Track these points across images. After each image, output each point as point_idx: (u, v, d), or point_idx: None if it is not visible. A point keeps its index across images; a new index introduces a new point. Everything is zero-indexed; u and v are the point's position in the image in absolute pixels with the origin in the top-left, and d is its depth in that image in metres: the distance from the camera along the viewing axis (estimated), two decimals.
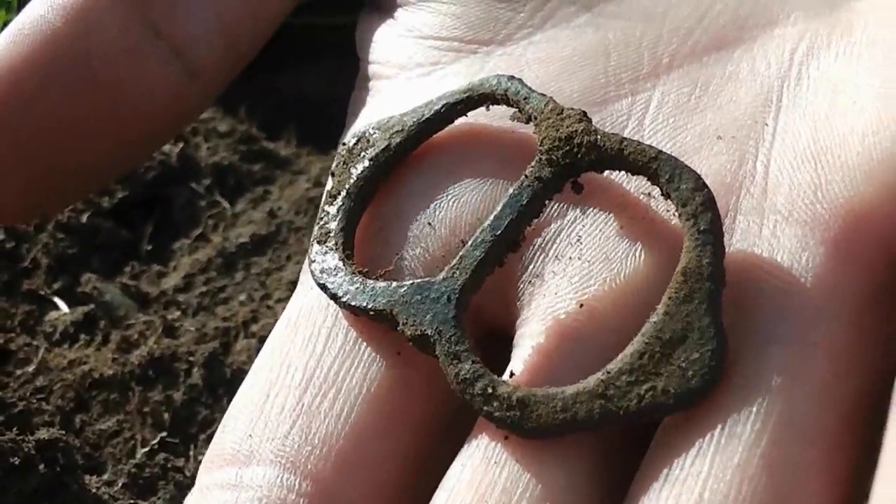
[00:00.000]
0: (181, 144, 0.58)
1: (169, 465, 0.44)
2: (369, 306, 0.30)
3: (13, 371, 0.47)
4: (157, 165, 0.56)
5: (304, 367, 0.30)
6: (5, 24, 0.68)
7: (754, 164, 0.31)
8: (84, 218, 0.54)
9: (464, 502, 0.27)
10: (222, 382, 0.47)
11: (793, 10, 0.33)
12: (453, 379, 0.28)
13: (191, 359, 0.47)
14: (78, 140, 0.35)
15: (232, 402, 0.32)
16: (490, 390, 0.28)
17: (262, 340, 0.48)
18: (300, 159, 0.59)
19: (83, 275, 0.52)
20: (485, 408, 0.28)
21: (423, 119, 0.33)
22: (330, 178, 0.33)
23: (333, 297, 0.31)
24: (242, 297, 0.51)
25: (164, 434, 0.45)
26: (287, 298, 0.50)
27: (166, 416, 0.46)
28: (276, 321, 0.48)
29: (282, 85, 0.68)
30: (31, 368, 0.47)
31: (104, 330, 0.49)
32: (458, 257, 0.30)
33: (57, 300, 0.51)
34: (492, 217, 0.30)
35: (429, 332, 0.29)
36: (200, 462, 0.44)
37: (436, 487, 0.28)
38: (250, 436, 0.29)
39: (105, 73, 0.34)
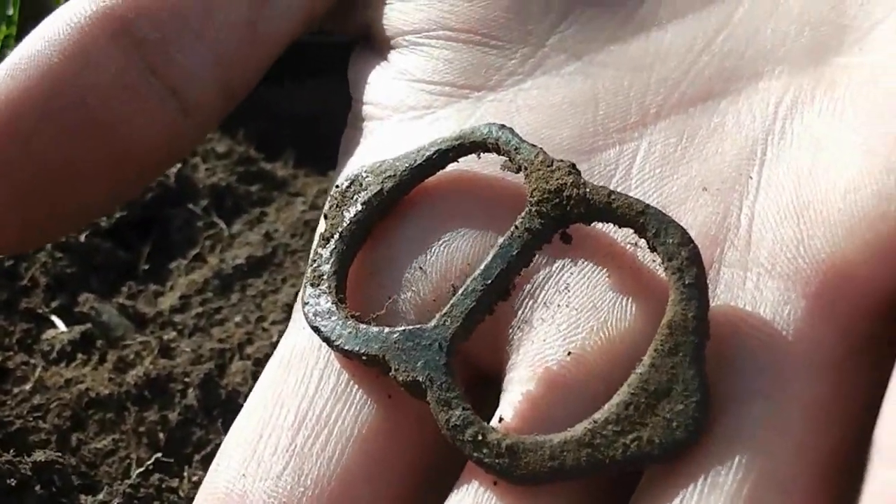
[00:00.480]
0: (179, 166, 0.58)
1: (163, 486, 0.44)
2: (362, 351, 0.30)
3: (10, 389, 0.48)
4: (156, 186, 0.57)
5: (297, 408, 0.31)
6: (6, 39, 0.69)
7: (738, 216, 0.31)
8: (82, 238, 0.54)
9: None
10: (217, 403, 0.48)
11: (777, 63, 0.34)
12: (444, 425, 0.29)
13: (186, 380, 0.48)
14: (73, 176, 0.35)
15: (225, 440, 0.32)
16: (480, 437, 0.28)
17: (256, 362, 0.49)
18: (297, 180, 0.60)
19: (81, 294, 0.52)
20: (475, 454, 0.28)
21: (416, 165, 0.33)
22: (322, 220, 0.34)
23: (326, 340, 0.31)
24: (238, 319, 0.51)
25: (160, 454, 0.46)
26: (282, 321, 0.51)
27: (161, 435, 0.47)
28: (271, 343, 0.49)
29: (275, 102, 0.69)
30: (28, 387, 0.48)
31: (101, 349, 0.50)
32: (449, 305, 0.30)
33: (55, 319, 0.52)
34: (482, 266, 0.31)
35: (420, 378, 0.29)
36: (195, 482, 0.45)
37: None
38: (244, 475, 0.30)
39: (102, 111, 0.34)
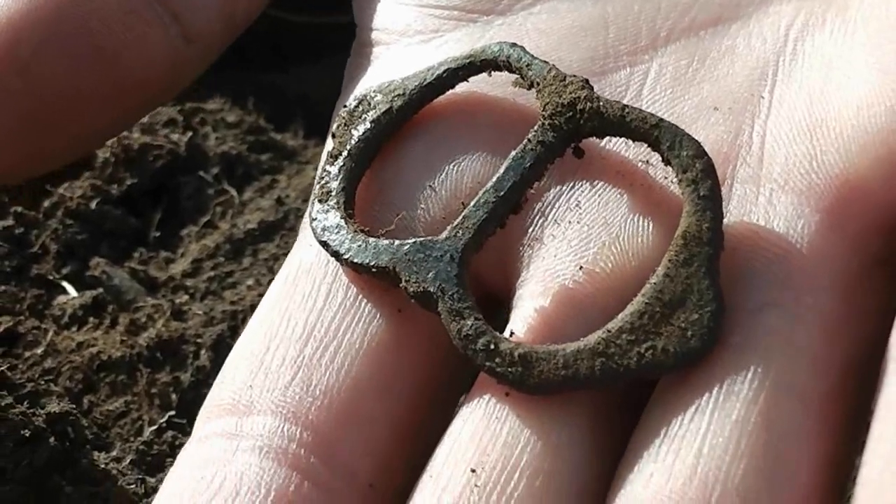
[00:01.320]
0: (189, 134, 0.59)
1: (177, 443, 0.45)
2: (372, 263, 0.30)
3: (22, 353, 0.48)
4: (166, 154, 0.57)
5: (305, 321, 0.31)
6: None
7: (750, 134, 0.32)
8: (93, 205, 0.55)
9: (465, 456, 0.28)
10: None
11: None
12: (456, 335, 0.29)
13: (199, 341, 0.48)
14: (75, 102, 0.35)
15: (230, 354, 0.32)
16: (493, 346, 0.28)
17: None
18: (307, 150, 0.60)
19: (92, 260, 0.53)
20: (487, 363, 0.28)
21: (425, 83, 0.34)
22: (330, 139, 0.34)
23: (335, 254, 0.31)
24: (250, 282, 0.51)
25: (172, 413, 0.46)
26: None
27: (174, 397, 0.47)
28: None
29: (286, 83, 0.69)
30: (39, 351, 0.48)
31: (112, 314, 0.50)
32: (460, 217, 0.30)
33: (66, 284, 0.52)
34: (495, 179, 0.31)
35: (431, 289, 0.29)
36: None
37: (429, 450, 0.29)
38: (250, 386, 0.30)
39: (104, 36, 0.34)
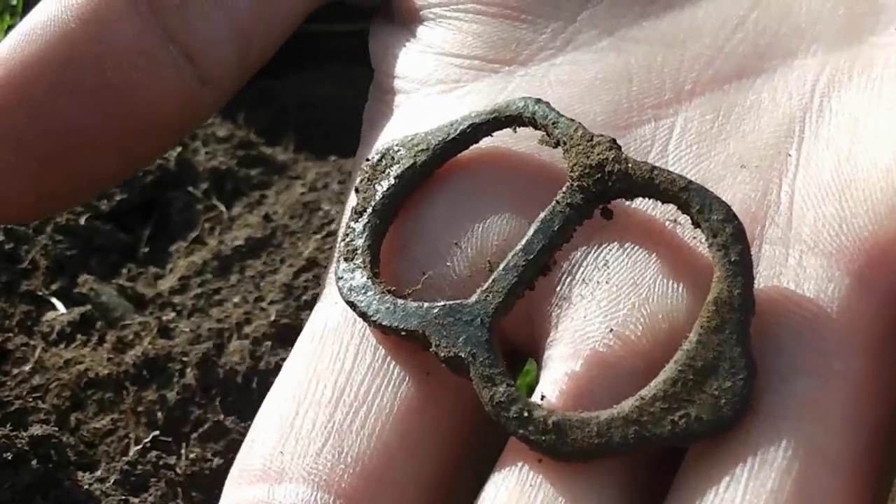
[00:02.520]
0: (179, 149, 0.59)
1: (161, 463, 0.45)
2: (401, 326, 0.31)
3: (10, 370, 0.49)
4: (156, 169, 0.58)
5: (334, 384, 0.31)
6: (9, 29, 0.70)
7: (778, 193, 0.31)
8: (82, 220, 0.55)
9: None
10: (215, 383, 0.49)
11: (812, 41, 0.34)
12: (488, 402, 0.29)
13: (185, 359, 0.49)
14: (88, 143, 0.35)
15: (258, 415, 0.32)
16: (526, 414, 0.28)
17: (255, 342, 0.50)
18: (297, 164, 0.61)
19: (81, 276, 0.53)
20: (520, 431, 0.28)
21: (449, 138, 0.33)
22: (354, 194, 0.34)
23: (363, 315, 0.31)
24: (237, 299, 0.52)
25: (157, 433, 0.47)
26: (280, 301, 0.51)
27: (160, 415, 0.48)
28: (269, 323, 0.50)
29: (281, 91, 0.69)
30: (27, 367, 0.49)
31: (100, 330, 0.51)
32: (490, 280, 0.30)
33: (54, 301, 0.52)
34: (524, 241, 0.31)
35: (462, 354, 0.30)
36: (192, 460, 0.46)
37: None
38: (281, 452, 0.30)
39: (118, 76, 0.34)
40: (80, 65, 0.34)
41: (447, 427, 0.31)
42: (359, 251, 0.33)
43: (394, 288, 0.32)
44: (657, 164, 0.32)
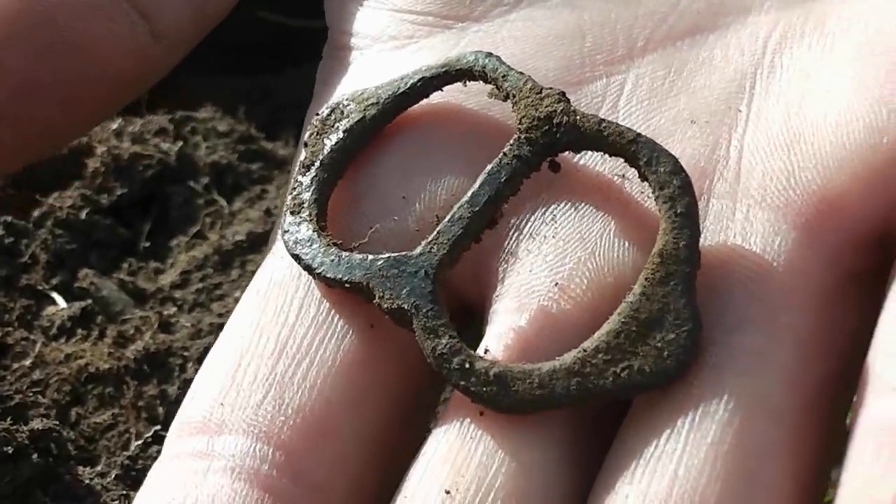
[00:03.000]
0: (180, 143, 0.59)
1: None
2: (345, 278, 0.31)
3: (10, 364, 0.49)
4: (156, 164, 0.58)
5: (277, 336, 0.31)
6: None
7: (727, 148, 0.32)
8: (83, 215, 0.55)
9: (440, 477, 0.28)
10: None
11: None
12: (430, 353, 0.29)
13: (185, 354, 0.49)
14: (42, 96, 0.35)
15: (200, 370, 0.32)
16: (468, 365, 0.29)
17: None
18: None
19: (81, 270, 0.53)
20: (462, 382, 0.29)
21: (399, 92, 0.34)
22: (303, 149, 0.34)
23: (308, 268, 0.31)
24: (238, 294, 0.52)
25: (158, 428, 0.47)
26: None
27: (161, 410, 0.47)
28: None
29: (279, 87, 0.69)
30: (27, 362, 0.49)
31: (101, 325, 0.51)
32: (435, 232, 0.31)
33: (55, 295, 0.52)
34: (470, 193, 0.31)
35: (406, 306, 0.30)
36: None
37: (402, 470, 0.29)
38: (221, 404, 0.30)
39: (70, 31, 0.34)
40: (32, 18, 0.34)
41: (392, 383, 0.31)
42: (305, 204, 0.33)
43: (340, 242, 0.32)
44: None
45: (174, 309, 0.52)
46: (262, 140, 0.62)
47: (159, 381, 0.48)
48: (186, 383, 0.48)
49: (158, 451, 0.45)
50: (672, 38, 0.35)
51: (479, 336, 0.31)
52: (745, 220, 0.30)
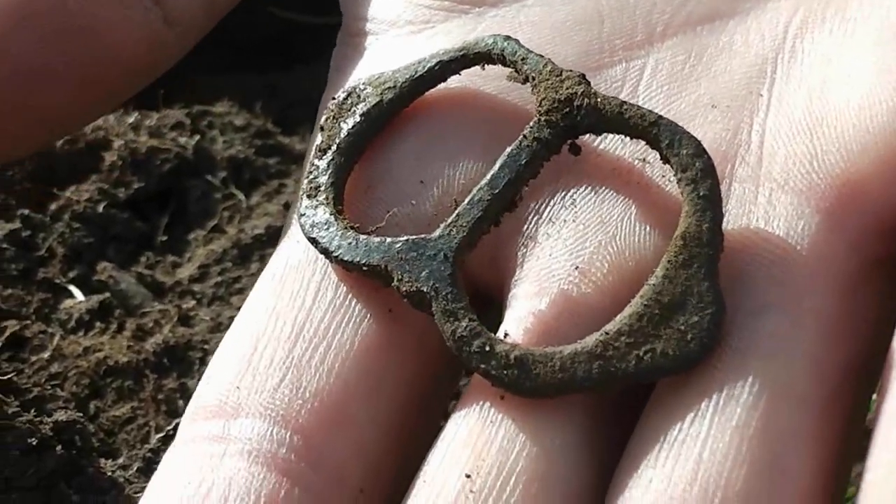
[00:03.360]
0: (197, 137, 0.59)
1: None
2: (363, 261, 0.30)
3: (28, 358, 0.49)
4: (174, 158, 0.58)
5: (294, 320, 0.31)
6: None
7: (749, 133, 0.32)
8: (100, 208, 0.55)
9: (460, 461, 0.28)
10: None
11: None
12: (450, 336, 0.29)
13: (205, 347, 0.49)
14: (51, 82, 0.35)
15: (215, 354, 0.32)
16: (488, 348, 0.28)
17: None
18: None
19: (99, 264, 0.53)
20: (482, 366, 0.28)
21: (416, 76, 0.33)
22: (319, 133, 0.34)
23: (325, 251, 0.31)
24: None
25: (179, 420, 0.47)
26: None
27: (181, 403, 0.48)
28: None
29: (294, 84, 0.69)
30: (46, 355, 0.49)
31: (119, 318, 0.51)
32: (454, 215, 0.30)
33: (72, 288, 0.52)
34: (489, 176, 0.31)
35: (425, 288, 0.29)
36: None
37: (420, 454, 0.29)
38: (238, 388, 0.30)
39: (82, 16, 0.34)
40: (44, 4, 0.34)
41: (410, 368, 0.31)
42: (322, 188, 0.32)
43: (357, 225, 0.31)
44: None
45: (193, 302, 0.52)
46: (278, 134, 0.62)
47: (179, 374, 0.49)
48: None
49: None
50: (691, 24, 0.35)
51: (496, 325, 0.31)
52: (767, 204, 0.30)
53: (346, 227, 0.31)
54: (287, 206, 0.56)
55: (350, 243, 0.31)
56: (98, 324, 0.51)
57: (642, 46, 0.34)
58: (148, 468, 0.45)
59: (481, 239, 0.31)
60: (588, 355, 0.28)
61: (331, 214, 0.32)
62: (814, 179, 0.30)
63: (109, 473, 0.43)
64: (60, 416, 0.43)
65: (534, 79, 0.32)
